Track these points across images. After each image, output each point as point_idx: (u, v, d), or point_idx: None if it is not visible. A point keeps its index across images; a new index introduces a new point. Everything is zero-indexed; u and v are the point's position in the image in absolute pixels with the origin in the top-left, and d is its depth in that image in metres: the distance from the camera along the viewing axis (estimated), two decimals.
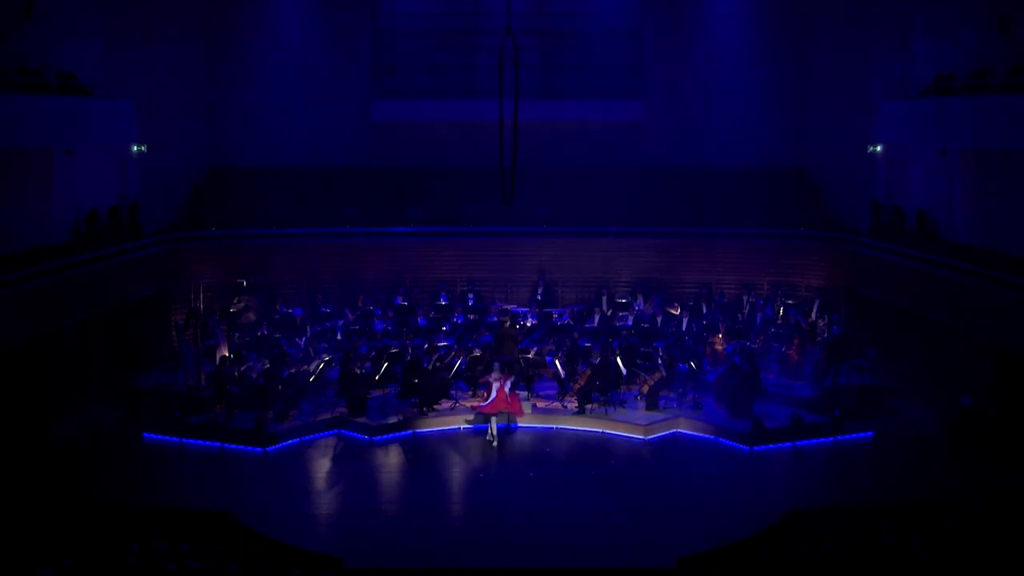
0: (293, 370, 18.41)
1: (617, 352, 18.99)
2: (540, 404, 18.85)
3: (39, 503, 14.57)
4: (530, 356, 19.25)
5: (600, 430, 18.01)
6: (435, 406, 18.53)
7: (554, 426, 18.21)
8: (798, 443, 17.33)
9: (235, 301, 21.11)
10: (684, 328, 20.52)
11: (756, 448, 17.12)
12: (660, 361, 18.69)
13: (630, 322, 20.90)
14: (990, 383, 17.26)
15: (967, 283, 17.35)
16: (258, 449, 17.06)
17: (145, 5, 22.09)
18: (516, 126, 14.96)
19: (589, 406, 18.40)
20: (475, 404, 18.23)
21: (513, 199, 15.30)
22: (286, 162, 24.33)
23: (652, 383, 18.43)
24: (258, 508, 14.67)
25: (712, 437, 17.69)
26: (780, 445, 17.30)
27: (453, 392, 18.93)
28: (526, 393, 18.65)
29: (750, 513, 14.59)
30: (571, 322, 20.78)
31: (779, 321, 20.72)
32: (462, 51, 24.89)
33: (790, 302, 21.19)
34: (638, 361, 19.30)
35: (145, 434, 17.59)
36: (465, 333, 20.36)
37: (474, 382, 19.17)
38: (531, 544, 13.58)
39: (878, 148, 21.36)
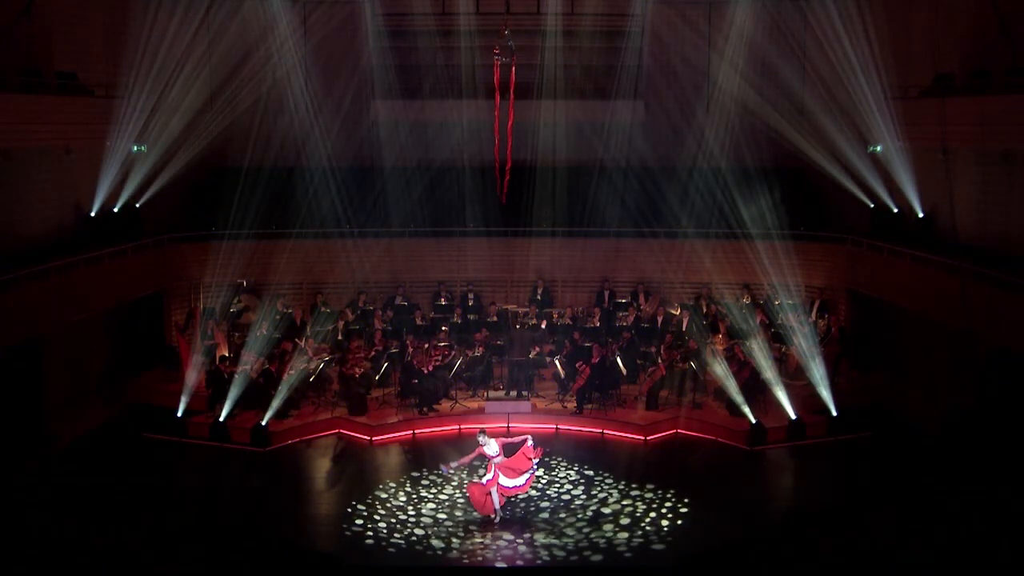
0: (292, 370, 18.42)
1: (617, 352, 19.01)
2: (540, 404, 18.87)
3: (39, 504, 14.60)
4: (531, 356, 19.29)
5: (600, 430, 18.02)
6: (435, 406, 18.55)
7: (554, 426, 18.23)
8: (798, 443, 17.34)
9: (235, 301, 21.11)
10: (684, 328, 20.53)
11: (756, 448, 17.12)
12: (660, 360, 18.71)
13: (630, 322, 20.91)
14: (990, 383, 17.26)
15: (967, 283, 17.34)
16: (258, 449, 17.07)
17: (145, 4, 22.08)
18: (510, 126, 14.90)
19: (588, 406, 18.42)
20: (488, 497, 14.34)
21: (510, 199, 15.24)
22: (286, 162, 24.31)
23: (652, 381, 18.47)
24: (258, 508, 14.69)
25: (712, 437, 17.70)
26: (780, 445, 17.31)
27: (453, 392, 18.95)
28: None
29: (750, 513, 14.62)
30: (571, 322, 20.78)
31: (780, 321, 20.72)
32: (462, 51, 24.87)
33: (790, 302, 21.19)
34: (638, 361, 19.33)
35: (145, 434, 17.59)
36: (465, 333, 20.37)
37: (475, 383, 19.21)
38: (531, 544, 13.59)
39: (878, 148, 21.35)
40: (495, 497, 14.22)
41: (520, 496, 14.70)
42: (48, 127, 18.48)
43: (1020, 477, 15.17)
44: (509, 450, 14.42)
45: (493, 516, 14.24)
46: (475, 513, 14.44)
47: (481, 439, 14.30)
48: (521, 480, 14.30)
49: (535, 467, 14.52)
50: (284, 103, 24.29)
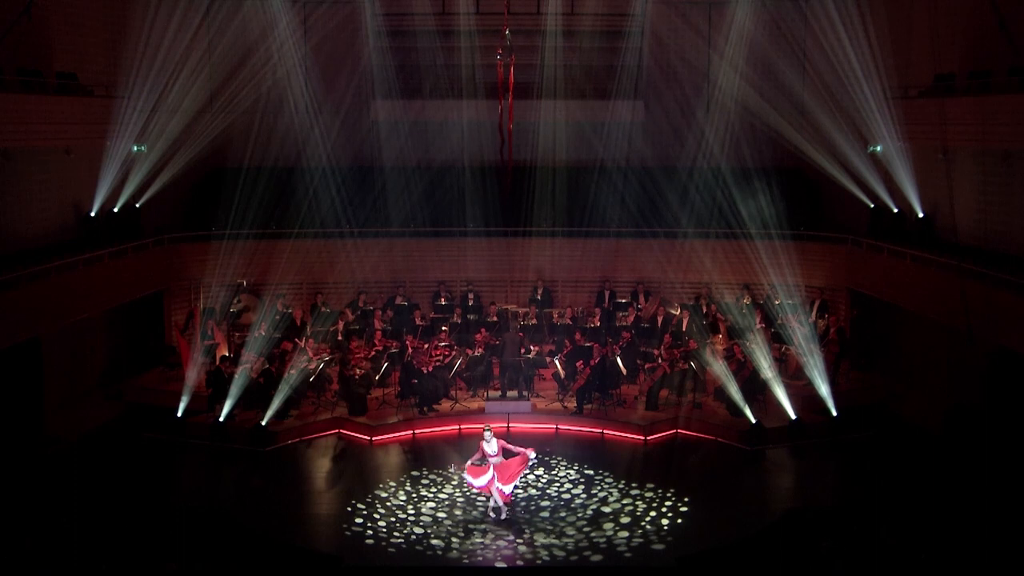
0: (293, 370, 18.42)
1: (617, 352, 19.01)
2: (540, 404, 18.86)
3: (39, 503, 14.60)
4: (531, 356, 19.28)
5: (600, 430, 18.01)
6: (435, 406, 18.55)
7: (554, 426, 18.22)
8: (798, 443, 17.34)
9: (235, 301, 21.10)
10: (684, 328, 20.53)
11: (756, 448, 17.12)
12: (660, 360, 18.71)
13: (630, 322, 20.90)
14: (990, 383, 17.25)
15: (967, 283, 17.34)
16: (258, 449, 17.07)
17: (145, 4, 22.09)
18: (511, 126, 14.90)
19: (588, 406, 18.41)
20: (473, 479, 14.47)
21: (511, 199, 15.23)
22: (286, 162, 24.31)
23: (653, 381, 18.47)
24: (258, 508, 14.69)
25: (712, 437, 17.69)
26: (780, 445, 17.30)
27: (453, 392, 18.94)
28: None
29: (750, 513, 14.61)
30: (571, 322, 20.78)
31: (779, 321, 20.72)
32: (462, 51, 24.88)
33: (790, 302, 21.19)
34: (638, 360, 19.32)
35: (145, 434, 17.59)
36: (464, 333, 20.37)
37: (475, 383, 19.20)
38: (531, 544, 13.59)
39: (878, 148, 21.36)
40: (495, 494, 14.23)
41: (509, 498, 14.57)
42: (48, 127, 18.48)
43: (1021, 477, 15.17)
44: (506, 454, 14.42)
45: (493, 517, 14.24)
46: (475, 513, 14.45)
47: (487, 435, 14.31)
48: (508, 488, 14.31)
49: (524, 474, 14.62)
50: (284, 103, 24.27)
